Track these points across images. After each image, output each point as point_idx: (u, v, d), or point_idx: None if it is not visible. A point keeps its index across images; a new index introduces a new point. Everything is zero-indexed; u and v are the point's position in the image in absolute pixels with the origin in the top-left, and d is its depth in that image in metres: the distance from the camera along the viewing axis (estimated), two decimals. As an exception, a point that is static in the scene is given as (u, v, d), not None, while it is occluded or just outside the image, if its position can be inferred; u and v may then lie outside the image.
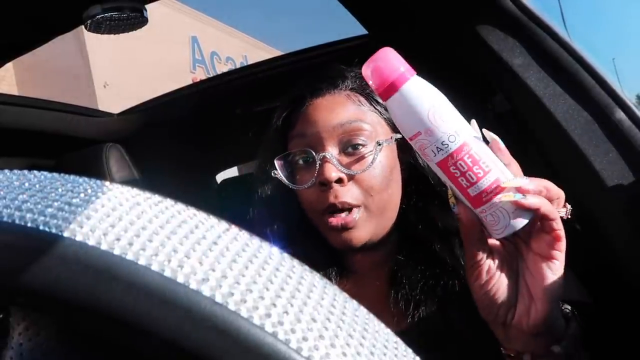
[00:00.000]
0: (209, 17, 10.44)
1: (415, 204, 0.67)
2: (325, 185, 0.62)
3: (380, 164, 0.63)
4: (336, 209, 0.62)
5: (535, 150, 0.83)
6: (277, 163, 0.65)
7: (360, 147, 0.63)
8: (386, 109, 0.66)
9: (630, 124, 0.66)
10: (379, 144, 0.63)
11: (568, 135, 0.67)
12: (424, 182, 0.65)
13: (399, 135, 0.65)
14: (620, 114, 0.67)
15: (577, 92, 0.69)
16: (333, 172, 0.61)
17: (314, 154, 0.63)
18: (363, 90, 0.66)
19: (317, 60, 1.23)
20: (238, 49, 10.66)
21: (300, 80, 0.70)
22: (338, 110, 0.64)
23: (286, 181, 0.65)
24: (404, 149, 0.66)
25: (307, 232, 0.66)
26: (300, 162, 0.65)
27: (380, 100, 0.66)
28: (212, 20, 10.42)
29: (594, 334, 0.57)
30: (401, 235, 0.67)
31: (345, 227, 0.61)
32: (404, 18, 0.94)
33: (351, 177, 0.62)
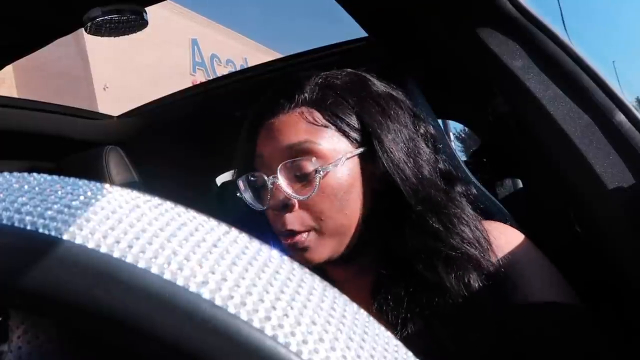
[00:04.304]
0: (209, 19, 10.45)
1: (389, 219, 0.63)
2: (275, 209, 0.61)
3: (330, 186, 0.60)
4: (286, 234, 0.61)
5: (536, 152, 0.83)
6: (239, 183, 0.65)
7: (309, 169, 0.60)
8: (347, 122, 0.61)
9: (631, 126, 0.66)
10: (317, 172, 0.59)
11: (568, 137, 0.67)
12: (398, 195, 0.61)
13: (359, 150, 0.62)
14: (621, 117, 0.67)
15: (577, 95, 0.69)
16: (280, 197, 0.60)
17: (265, 178, 0.61)
18: (324, 101, 0.61)
19: (317, 63, 1.23)
20: (238, 51, 10.67)
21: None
22: (288, 131, 0.61)
23: (248, 201, 0.65)
24: (373, 159, 0.61)
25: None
26: (258, 183, 0.64)
27: (341, 114, 0.61)
28: (212, 23, 10.44)
29: (586, 337, 0.57)
30: (378, 249, 0.64)
31: (296, 247, 0.60)
32: (404, 21, 0.95)
33: (300, 202, 0.60)
